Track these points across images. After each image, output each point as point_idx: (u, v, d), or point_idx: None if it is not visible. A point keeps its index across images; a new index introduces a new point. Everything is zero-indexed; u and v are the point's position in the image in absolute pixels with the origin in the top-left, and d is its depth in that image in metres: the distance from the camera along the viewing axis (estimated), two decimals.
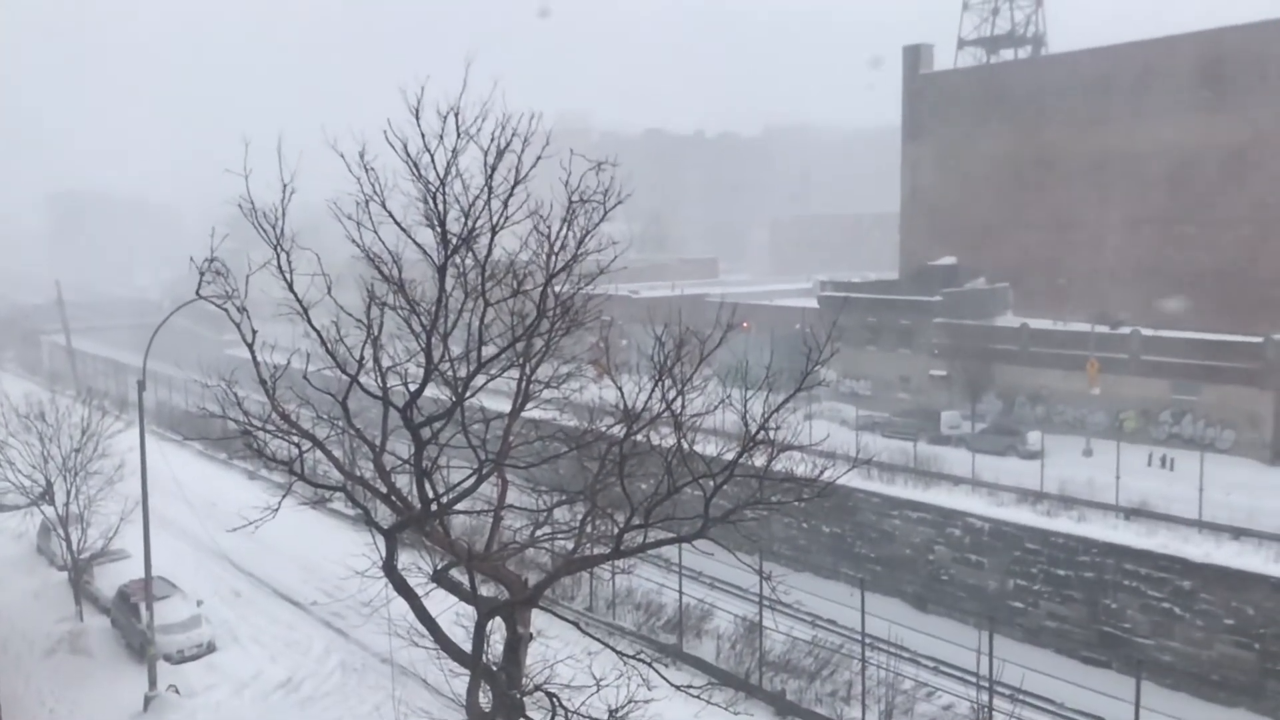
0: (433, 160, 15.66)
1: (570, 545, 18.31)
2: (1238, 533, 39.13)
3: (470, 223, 16.17)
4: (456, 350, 17.35)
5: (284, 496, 17.81)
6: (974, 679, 30.25)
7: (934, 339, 66.25)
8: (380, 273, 16.53)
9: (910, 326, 68.39)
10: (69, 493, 35.13)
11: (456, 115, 15.26)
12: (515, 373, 17.78)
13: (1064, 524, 41.60)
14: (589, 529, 17.77)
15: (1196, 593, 37.06)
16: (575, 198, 16.35)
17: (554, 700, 17.41)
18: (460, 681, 18.91)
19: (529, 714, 17.72)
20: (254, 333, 16.22)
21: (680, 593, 33.91)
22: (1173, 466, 49.79)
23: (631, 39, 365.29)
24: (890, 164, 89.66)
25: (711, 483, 16.07)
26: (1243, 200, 59.98)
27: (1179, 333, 57.04)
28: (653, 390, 16.14)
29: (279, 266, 16.11)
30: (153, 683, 29.16)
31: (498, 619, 17.98)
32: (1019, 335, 62.86)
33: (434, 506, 17.14)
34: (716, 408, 16.85)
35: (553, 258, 16.88)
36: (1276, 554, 36.85)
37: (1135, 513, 42.00)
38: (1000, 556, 42.97)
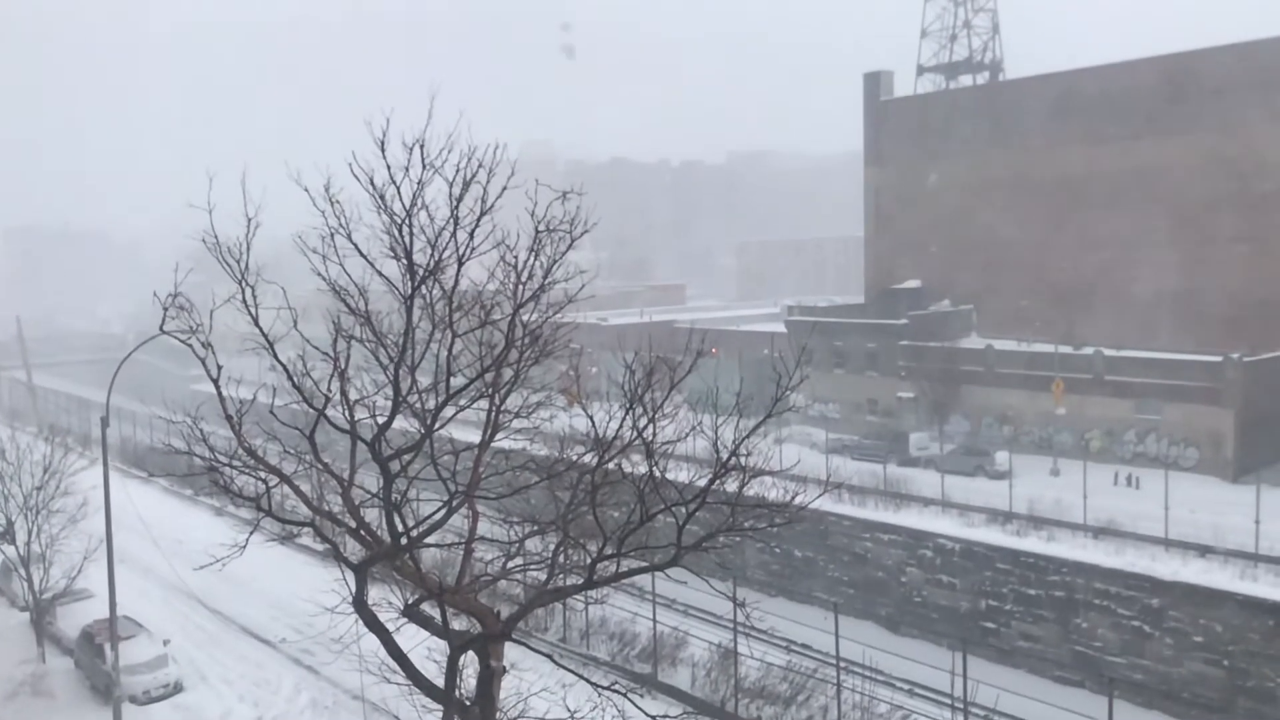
0: (399, 192, 15.65)
1: (543, 576, 18.18)
2: (1204, 550, 39.52)
3: (437, 254, 16.13)
4: (425, 382, 17.25)
5: (251, 533, 17.58)
6: (949, 701, 30.31)
7: (901, 361, 66.74)
8: (346, 305, 16.44)
9: (877, 349, 68.87)
10: (30, 532, 34.50)
11: (422, 147, 15.27)
12: (485, 403, 17.70)
13: (1034, 544, 41.84)
14: (561, 559, 17.66)
15: (1165, 610, 37.34)
16: (542, 227, 16.38)
17: None
18: (433, 717, 18.70)
19: None
20: (219, 368, 16.06)
21: (654, 621, 33.75)
22: (1138, 485, 50.31)
23: (592, 70, 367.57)
24: (854, 189, 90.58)
25: (684, 510, 16.04)
26: (1200, 221, 61.01)
27: (1141, 353, 57.81)
28: (624, 418, 16.11)
29: (244, 300, 15.99)
30: None
31: (470, 653, 17.80)
32: (984, 356, 63.45)
33: (404, 540, 16.98)
34: (688, 435, 16.83)
35: (520, 287, 16.86)
36: (1242, 571, 37.23)
37: (1103, 531, 42.34)
38: (972, 577, 43.15)
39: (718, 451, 15.81)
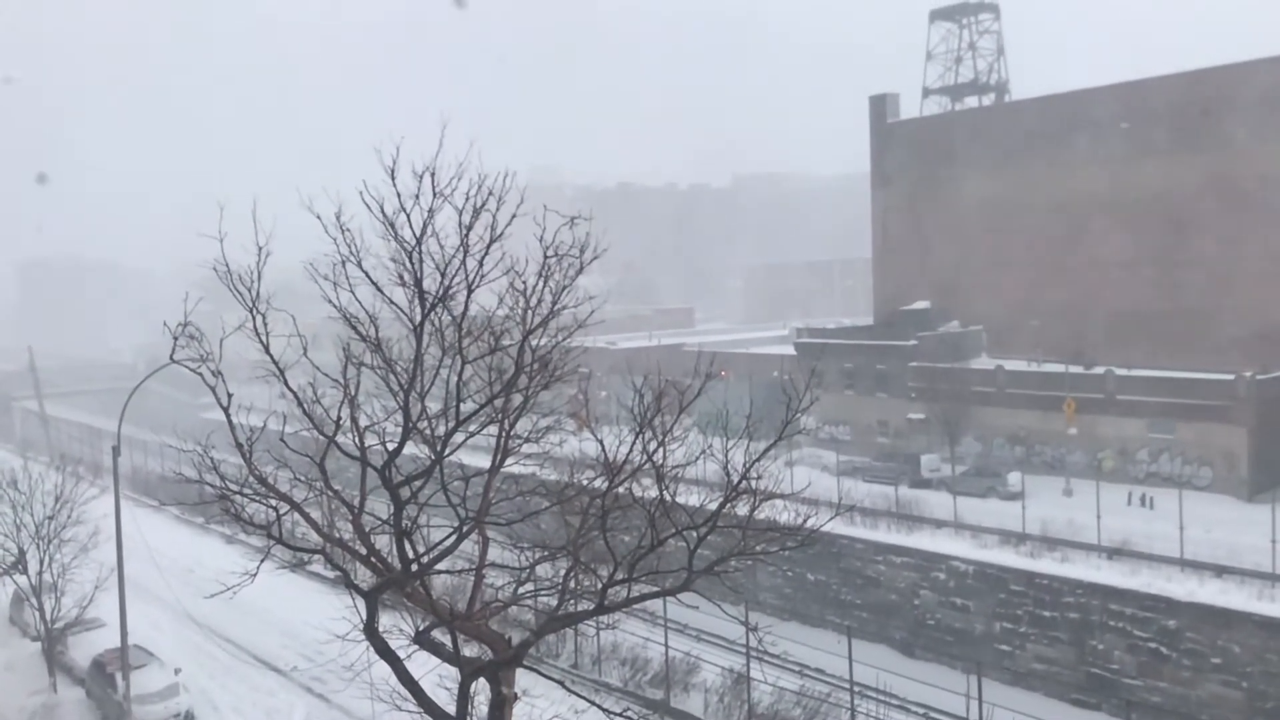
0: (409, 220, 15.72)
1: (554, 602, 18.10)
2: (1220, 570, 39.20)
3: (446, 281, 16.18)
4: (435, 408, 17.26)
5: (262, 560, 17.57)
6: None
7: (911, 383, 66.55)
8: (357, 332, 16.48)
9: (887, 371, 68.71)
10: (42, 561, 34.57)
11: (432, 175, 15.36)
12: (494, 429, 17.70)
13: (1048, 565, 41.56)
14: (572, 585, 17.59)
15: (1182, 632, 37.02)
16: (550, 253, 16.43)
17: None
18: None
19: None
20: (229, 395, 16.08)
21: (666, 646, 33.59)
22: (1152, 505, 49.97)
23: (598, 94, 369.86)
24: (861, 211, 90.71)
25: (695, 534, 15.98)
26: (1208, 241, 60.88)
27: (1152, 372, 57.57)
28: (634, 442, 16.08)
29: (254, 328, 16.04)
30: None
31: (482, 680, 17.72)
32: (995, 377, 63.25)
33: (414, 567, 16.94)
34: (698, 458, 16.79)
35: (529, 313, 16.90)
36: (1259, 591, 36.91)
37: (1118, 552, 42.04)
38: (985, 599, 42.86)
39: (728, 475, 15.77)
